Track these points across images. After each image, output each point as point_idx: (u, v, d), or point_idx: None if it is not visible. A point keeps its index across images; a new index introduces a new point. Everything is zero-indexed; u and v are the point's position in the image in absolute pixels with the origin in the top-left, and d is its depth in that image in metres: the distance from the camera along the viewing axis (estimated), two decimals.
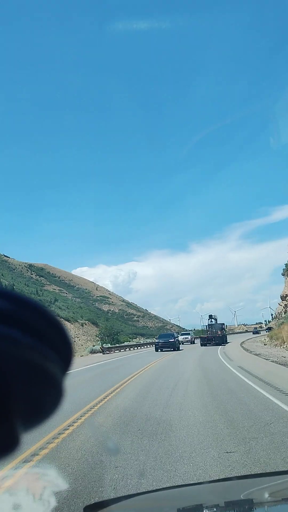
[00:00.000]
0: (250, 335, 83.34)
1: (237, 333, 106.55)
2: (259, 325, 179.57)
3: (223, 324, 57.51)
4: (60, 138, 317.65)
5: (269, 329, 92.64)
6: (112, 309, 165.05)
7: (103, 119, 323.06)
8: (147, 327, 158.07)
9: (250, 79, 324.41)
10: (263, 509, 2.27)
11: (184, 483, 4.46)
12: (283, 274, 61.28)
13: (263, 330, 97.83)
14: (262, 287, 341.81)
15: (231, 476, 4.53)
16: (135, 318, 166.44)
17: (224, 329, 54.36)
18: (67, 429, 7.13)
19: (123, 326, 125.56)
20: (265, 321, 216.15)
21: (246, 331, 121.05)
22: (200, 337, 52.27)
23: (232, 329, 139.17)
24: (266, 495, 2.38)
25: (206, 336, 49.27)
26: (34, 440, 6.26)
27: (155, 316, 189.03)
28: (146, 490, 4.14)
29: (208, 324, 52.75)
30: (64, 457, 5.70)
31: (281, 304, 61.06)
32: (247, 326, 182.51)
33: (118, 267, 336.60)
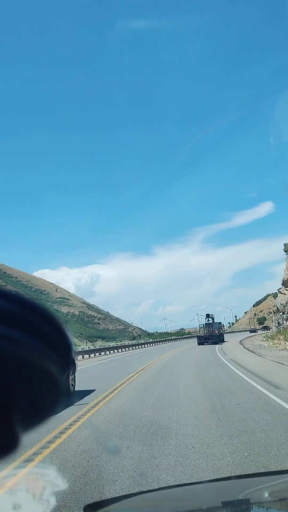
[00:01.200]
0: (245, 334, 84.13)
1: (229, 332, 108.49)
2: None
3: (220, 323, 60.73)
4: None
5: (265, 327, 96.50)
6: (71, 311, 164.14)
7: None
8: (108, 329, 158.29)
9: (213, 92, 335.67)
10: (262, 509, 2.31)
11: (183, 483, 4.51)
12: (285, 251, 53.52)
13: (258, 329, 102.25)
14: (223, 290, 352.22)
15: (230, 475, 4.61)
16: (95, 321, 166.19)
17: (221, 328, 56.48)
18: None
19: (83, 329, 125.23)
20: (229, 323, 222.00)
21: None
22: (197, 336, 53.44)
23: (196, 332, 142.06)
24: (265, 495, 2.42)
25: (203, 335, 50.90)
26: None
27: (116, 318, 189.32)
28: (146, 490, 4.20)
29: (206, 323, 54.53)
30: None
31: (285, 291, 51.92)
32: None
33: (81, 270, 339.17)
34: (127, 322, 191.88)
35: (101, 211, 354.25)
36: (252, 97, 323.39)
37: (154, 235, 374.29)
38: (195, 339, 52.94)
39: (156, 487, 4.46)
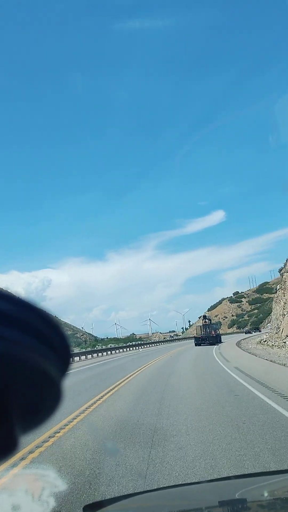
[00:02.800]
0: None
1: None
2: (174, 333, 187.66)
3: (217, 324, 65.89)
4: None
5: (256, 329, 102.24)
6: None
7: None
8: None
9: (168, 101, 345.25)
10: (262, 509, 2.36)
11: (182, 483, 4.56)
12: None
13: (250, 331, 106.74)
14: (175, 296, 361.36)
15: (229, 475, 4.68)
16: None
17: (218, 329, 58.35)
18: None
19: None
20: (182, 328, 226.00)
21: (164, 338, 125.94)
22: (195, 337, 55.34)
23: (148, 337, 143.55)
24: (265, 494, 2.47)
25: (200, 336, 52.72)
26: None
27: (65, 323, 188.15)
28: (145, 490, 4.26)
29: (202, 325, 56.37)
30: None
31: None
32: (162, 334, 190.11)
33: (32, 274, 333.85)
34: (76, 328, 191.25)
35: (54, 215, 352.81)
36: (206, 108, 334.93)
37: (108, 240, 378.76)
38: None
39: (155, 487, 4.60)
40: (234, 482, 3.30)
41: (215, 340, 50.76)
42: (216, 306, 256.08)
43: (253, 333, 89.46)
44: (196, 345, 50.47)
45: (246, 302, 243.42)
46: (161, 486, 4.67)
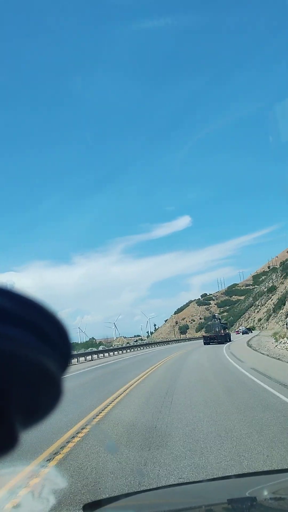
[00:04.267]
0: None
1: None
2: (138, 337, 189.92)
3: (226, 323, 66.75)
4: None
5: (249, 329, 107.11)
6: None
7: None
8: None
9: (137, 105, 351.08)
10: (262, 507, 2.40)
11: (182, 482, 4.64)
12: None
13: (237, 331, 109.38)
14: (141, 300, 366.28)
15: (230, 474, 4.77)
16: None
17: (227, 328, 60.46)
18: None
19: None
20: (148, 332, 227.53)
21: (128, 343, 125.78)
22: (203, 336, 57.62)
23: (111, 342, 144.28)
24: (265, 493, 2.50)
25: (209, 335, 55.06)
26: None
27: None
28: (145, 489, 4.31)
29: (212, 323, 59.52)
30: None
31: None
32: (126, 338, 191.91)
33: None
34: None
35: (19, 218, 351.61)
36: (173, 114, 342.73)
37: (74, 243, 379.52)
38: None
39: (155, 486, 4.69)
40: (235, 481, 3.37)
41: (224, 339, 51.89)
42: (183, 309, 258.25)
43: (249, 333, 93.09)
44: (205, 343, 51.08)
45: (215, 304, 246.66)
46: (161, 485, 4.75)
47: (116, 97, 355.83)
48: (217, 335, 53.31)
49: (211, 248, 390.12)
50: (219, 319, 62.80)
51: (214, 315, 66.53)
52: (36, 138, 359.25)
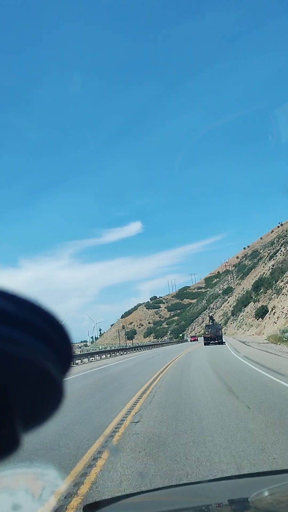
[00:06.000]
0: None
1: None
2: (84, 343, 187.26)
3: (220, 325, 75.94)
4: None
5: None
6: None
7: None
8: None
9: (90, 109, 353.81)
10: (263, 508, 2.46)
11: (182, 482, 4.72)
12: None
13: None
14: (88, 305, 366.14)
15: (230, 475, 4.87)
16: None
17: (221, 329, 66.54)
18: None
19: None
20: (92, 337, 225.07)
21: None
22: (204, 337, 63.56)
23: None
24: (266, 494, 2.53)
25: (209, 336, 60.68)
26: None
27: None
28: (145, 490, 4.39)
29: (211, 324, 67.98)
30: None
31: None
32: (73, 344, 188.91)
33: None
34: None
35: None
36: (126, 121, 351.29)
37: (21, 247, 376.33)
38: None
39: (155, 487, 4.73)
40: (235, 481, 3.41)
41: (221, 339, 58.31)
42: (131, 313, 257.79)
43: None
44: (205, 344, 57.76)
45: (165, 308, 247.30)
46: (161, 486, 4.80)
47: (69, 102, 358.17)
48: (216, 336, 59.32)
49: (161, 255, 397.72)
50: (214, 320, 72.90)
51: (211, 317, 77.00)
52: None
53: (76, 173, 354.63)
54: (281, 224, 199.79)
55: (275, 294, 73.63)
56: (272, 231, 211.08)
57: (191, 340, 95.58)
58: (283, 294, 67.32)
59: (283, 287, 69.82)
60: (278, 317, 62.19)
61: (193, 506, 2.66)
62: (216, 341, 57.55)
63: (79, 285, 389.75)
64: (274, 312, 66.25)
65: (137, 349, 64.76)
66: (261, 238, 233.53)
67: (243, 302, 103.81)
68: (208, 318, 75.90)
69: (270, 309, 70.93)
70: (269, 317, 68.87)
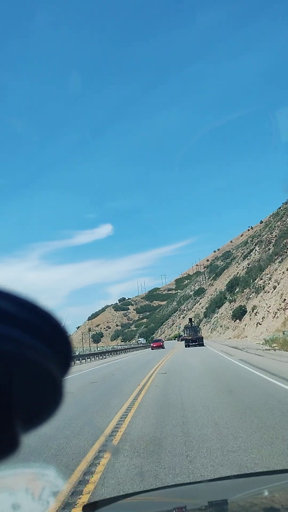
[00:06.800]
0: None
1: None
2: None
3: (199, 326, 79.50)
4: None
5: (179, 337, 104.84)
6: None
7: None
8: None
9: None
10: (262, 508, 2.45)
11: (182, 482, 4.85)
12: None
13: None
14: (57, 308, 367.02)
15: (229, 475, 4.96)
16: None
17: (201, 331, 69.13)
18: None
19: None
20: None
21: None
22: (185, 339, 63.14)
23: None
24: (265, 494, 2.63)
25: (190, 338, 60.49)
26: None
27: None
28: (144, 489, 4.52)
29: (191, 327, 67.85)
30: None
31: None
32: None
33: None
34: None
35: None
36: (99, 122, 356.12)
37: None
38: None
39: (155, 487, 4.94)
40: (234, 481, 3.42)
41: (202, 341, 58.56)
42: (99, 314, 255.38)
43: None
44: (186, 346, 57.30)
45: (134, 310, 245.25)
46: (160, 486, 5.02)
47: (42, 98, 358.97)
48: (197, 338, 59.33)
49: (131, 257, 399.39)
50: (193, 322, 75.21)
51: (191, 319, 77.31)
52: None
53: (45, 173, 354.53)
54: (251, 228, 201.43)
55: (253, 293, 70.96)
56: (242, 235, 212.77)
57: (152, 347, 69.89)
58: (266, 292, 63.29)
59: (264, 285, 66.67)
60: (263, 317, 56.46)
61: (193, 505, 2.72)
62: (197, 343, 57.63)
63: (49, 287, 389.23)
64: (256, 312, 61.21)
65: (88, 358, 45.55)
66: (231, 242, 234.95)
67: (216, 303, 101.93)
68: (188, 320, 76.45)
69: (250, 309, 67.75)
70: (250, 318, 64.60)
